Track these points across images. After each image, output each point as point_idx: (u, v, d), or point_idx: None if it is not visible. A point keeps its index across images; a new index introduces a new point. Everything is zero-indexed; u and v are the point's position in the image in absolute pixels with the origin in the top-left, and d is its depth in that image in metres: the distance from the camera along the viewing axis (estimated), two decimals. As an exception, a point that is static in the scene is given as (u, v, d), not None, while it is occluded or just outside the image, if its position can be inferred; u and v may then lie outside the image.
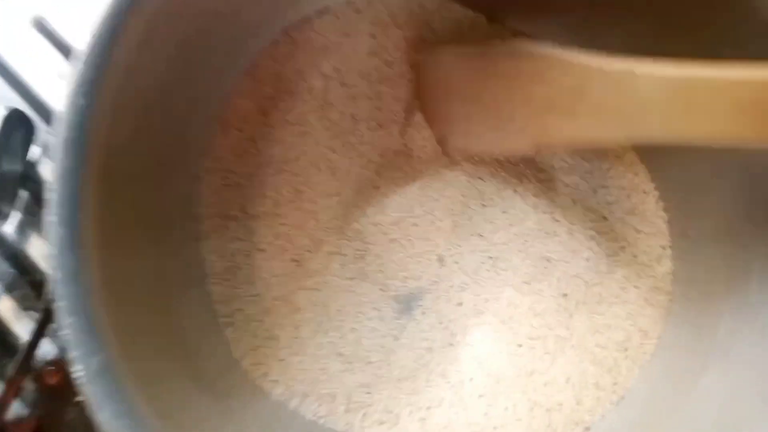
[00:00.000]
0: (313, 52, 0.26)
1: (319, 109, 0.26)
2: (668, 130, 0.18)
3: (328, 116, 0.27)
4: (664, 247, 0.26)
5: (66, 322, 0.16)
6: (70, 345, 0.16)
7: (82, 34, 0.17)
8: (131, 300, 0.19)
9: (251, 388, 0.25)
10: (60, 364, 0.27)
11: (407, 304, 0.27)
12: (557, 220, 0.26)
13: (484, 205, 0.27)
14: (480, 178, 0.27)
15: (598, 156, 0.26)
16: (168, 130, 0.22)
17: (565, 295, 0.26)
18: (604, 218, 0.26)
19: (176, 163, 0.23)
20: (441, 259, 0.27)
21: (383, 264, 0.27)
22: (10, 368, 0.26)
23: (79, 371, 0.16)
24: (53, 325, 0.26)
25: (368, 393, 0.26)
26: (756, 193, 0.21)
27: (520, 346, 0.26)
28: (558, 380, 0.25)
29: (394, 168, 0.27)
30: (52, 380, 0.27)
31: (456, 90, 0.25)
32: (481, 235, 0.27)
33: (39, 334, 0.26)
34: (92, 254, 0.17)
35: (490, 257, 0.27)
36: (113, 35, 0.17)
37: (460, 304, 0.26)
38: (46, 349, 0.27)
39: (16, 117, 0.28)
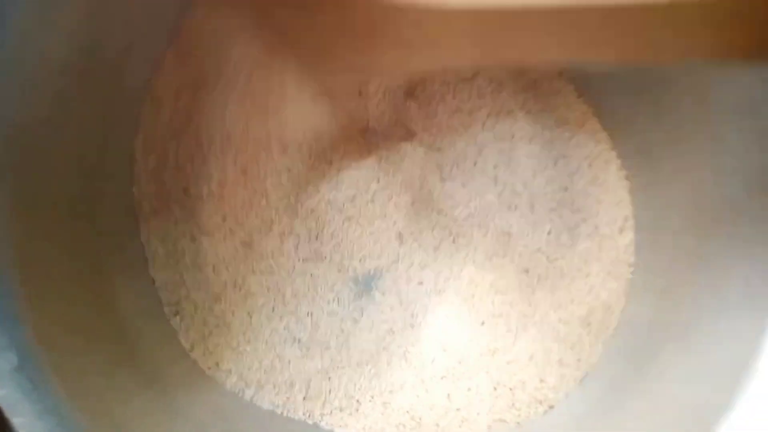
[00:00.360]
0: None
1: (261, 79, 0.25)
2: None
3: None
4: (626, 218, 0.25)
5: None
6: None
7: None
8: (56, 290, 0.18)
9: (202, 379, 0.24)
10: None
11: (366, 284, 0.26)
12: (517, 192, 0.25)
13: (443, 179, 0.26)
14: (438, 150, 0.26)
15: (559, 124, 0.26)
16: (89, 107, 0.20)
17: (526, 270, 0.25)
18: (565, 189, 0.25)
19: (105, 142, 0.21)
20: (400, 237, 0.26)
21: (339, 244, 0.26)
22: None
23: (-12, 370, 0.14)
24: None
25: (328, 379, 0.25)
26: (721, 159, 0.21)
27: (482, 324, 0.25)
28: (521, 358, 0.25)
29: (348, 140, 0.26)
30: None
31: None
32: (440, 211, 0.26)
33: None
34: (6, 238, 0.15)
35: (450, 233, 0.26)
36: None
37: (421, 283, 0.26)
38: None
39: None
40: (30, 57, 0.16)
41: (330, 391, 0.25)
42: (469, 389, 0.25)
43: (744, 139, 0.19)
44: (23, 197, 0.17)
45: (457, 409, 0.24)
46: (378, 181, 0.26)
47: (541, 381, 0.25)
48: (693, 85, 0.21)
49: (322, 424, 0.24)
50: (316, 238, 0.25)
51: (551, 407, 0.24)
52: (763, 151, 0.18)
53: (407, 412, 0.25)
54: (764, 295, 0.19)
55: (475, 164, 0.26)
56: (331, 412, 0.25)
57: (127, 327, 0.22)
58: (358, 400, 0.25)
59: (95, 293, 0.20)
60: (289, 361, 0.25)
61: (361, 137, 0.26)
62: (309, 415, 0.24)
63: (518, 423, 0.24)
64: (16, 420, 0.14)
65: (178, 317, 0.24)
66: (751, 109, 0.19)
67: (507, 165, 0.26)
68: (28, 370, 0.15)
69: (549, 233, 0.25)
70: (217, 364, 0.24)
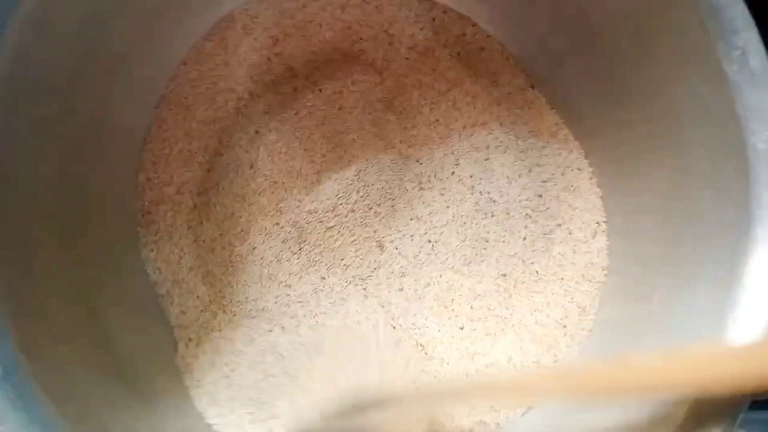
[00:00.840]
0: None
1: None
2: None
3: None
4: (599, 223, 0.26)
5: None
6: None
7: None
8: (41, 303, 0.18)
9: (183, 393, 0.24)
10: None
11: (348, 291, 0.26)
12: (494, 200, 0.26)
13: (421, 188, 0.26)
14: (417, 160, 0.27)
15: (533, 134, 0.26)
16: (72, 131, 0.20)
17: (504, 275, 0.26)
18: (540, 196, 0.26)
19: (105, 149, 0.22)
20: (381, 245, 0.26)
21: (322, 253, 0.26)
22: None
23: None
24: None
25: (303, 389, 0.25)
26: (686, 168, 0.22)
27: (461, 328, 0.26)
28: (500, 361, 0.25)
29: (329, 151, 0.26)
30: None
31: None
32: (419, 219, 0.26)
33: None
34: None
35: (429, 241, 0.26)
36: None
37: (401, 289, 0.26)
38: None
39: None
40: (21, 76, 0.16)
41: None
42: (449, 392, 0.25)
43: (707, 149, 0.20)
44: (7, 210, 0.17)
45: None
46: (358, 192, 0.26)
47: (520, 383, 0.25)
48: (659, 97, 0.22)
49: None
50: (299, 248, 0.26)
51: (530, 408, 0.25)
52: (726, 159, 0.19)
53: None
54: (728, 295, 0.19)
55: (452, 173, 0.26)
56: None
57: (113, 339, 0.22)
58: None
59: (81, 305, 0.21)
60: (271, 377, 0.25)
61: (341, 148, 0.26)
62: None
63: (498, 424, 0.25)
64: (1, 428, 0.15)
65: (157, 325, 0.25)
66: (712, 120, 0.20)
67: (483, 174, 0.26)
68: (13, 380, 0.15)
69: (524, 239, 0.26)
70: (197, 381, 0.24)
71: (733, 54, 0.19)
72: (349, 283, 0.26)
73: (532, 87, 0.27)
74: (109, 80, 0.22)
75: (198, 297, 0.25)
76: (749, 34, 0.19)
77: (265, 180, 0.26)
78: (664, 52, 0.21)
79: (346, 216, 0.26)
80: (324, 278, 0.26)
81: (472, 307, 0.26)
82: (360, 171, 0.26)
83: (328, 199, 0.26)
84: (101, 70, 0.21)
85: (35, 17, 0.17)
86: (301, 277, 0.26)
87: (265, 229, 0.26)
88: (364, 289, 0.26)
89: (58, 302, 0.19)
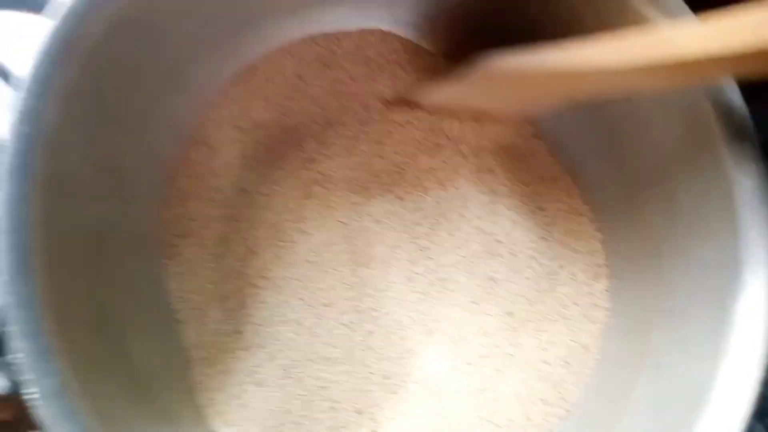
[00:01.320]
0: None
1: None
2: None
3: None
4: (599, 265, 0.27)
5: (19, 346, 0.17)
6: (24, 368, 0.16)
7: (20, 58, 0.18)
8: (80, 323, 0.19)
9: (198, 412, 0.25)
10: (12, 399, 0.26)
11: (359, 324, 0.27)
12: (500, 242, 0.28)
13: (433, 229, 0.28)
14: (428, 203, 0.28)
15: (535, 180, 0.28)
16: (121, 153, 0.22)
17: (510, 313, 0.27)
18: (543, 239, 0.28)
19: (133, 186, 0.24)
20: (393, 282, 0.28)
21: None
22: (-41, 405, 0.25)
23: (33, 393, 0.16)
24: (3, 357, 0.26)
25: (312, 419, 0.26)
26: (673, 214, 0.23)
27: (470, 364, 0.27)
28: (507, 397, 0.26)
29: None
30: (5, 414, 0.26)
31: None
32: (430, 257, 0.28)
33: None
34: (42, 279, 0.17)
35: (439, 278, 0.28)
36: (55, 61, 0.18)
37: (412, 323, 0.27)
38: (-2, 385, 0.26)
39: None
40: (71, 117, 0.18)
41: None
42: (458, 425, 0.26)
43: (693, 198, 0.22)
44: (54, 240, 0.19)
45: (448, 446, 0.26)
46: (376, 235, 0.28)
47: (527, 419, 0.26)
48: (651, 147, 0.24)
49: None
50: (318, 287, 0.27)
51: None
52: (708, 206, 0.21)
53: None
54: (718, 337, 0.20)
55: (461, 215, 0.28)
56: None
57: (135, 362, 0.23)
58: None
59: (111, 336, 0.22)
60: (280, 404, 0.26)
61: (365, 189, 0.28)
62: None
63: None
64: (53, 437, 0.16)
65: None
66: (698, 172, 0.22)
67: (490, 216, 0.28)
68: (65, 394, 0.17)
69: (529, 279, 0.27)
70: (211, 400, 0.25)
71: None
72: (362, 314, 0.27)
73: (534, 136, 0.29)
74: (142, 120, 0.24)
75: (215, 322, 0.26)
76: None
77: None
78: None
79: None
80: (341, 313, 0.27)
81: (480, 344, 0.27)
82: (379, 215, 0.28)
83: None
84: (135, 110, 0.23)
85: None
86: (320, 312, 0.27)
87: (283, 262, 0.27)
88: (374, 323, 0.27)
89: (87, 327, 0.21)
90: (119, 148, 0.23)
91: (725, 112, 0.20)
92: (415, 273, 0.28)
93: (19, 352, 0.16)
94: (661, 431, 0.21)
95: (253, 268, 0.27)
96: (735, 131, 0.20)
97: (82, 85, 0.19)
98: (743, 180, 0.20)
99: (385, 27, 0.29)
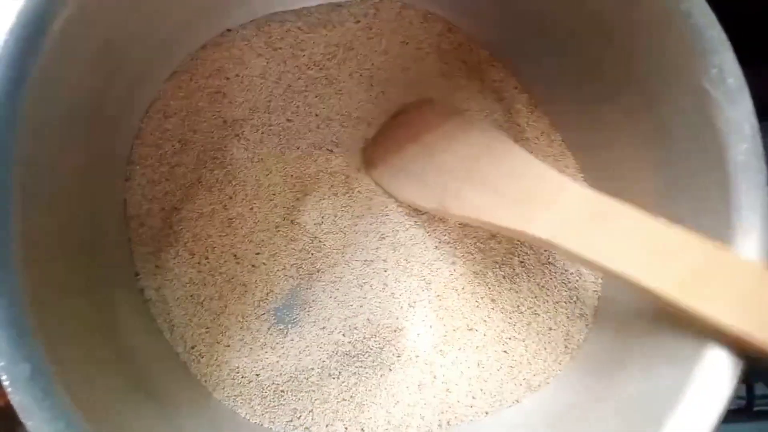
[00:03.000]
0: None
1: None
2: (577, 244, 0.20)
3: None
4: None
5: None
6: (-1, 354, 0.16)
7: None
8: (60, 305, 0.19)
9: (197, 391, 0.25)
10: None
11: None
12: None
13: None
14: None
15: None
16: (96, 138, 0.22)
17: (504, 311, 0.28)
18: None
19: (106, 169, 0.23)
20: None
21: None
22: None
23: (5, 380, 0.16)
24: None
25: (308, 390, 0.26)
26: (668, 180, 0.23)
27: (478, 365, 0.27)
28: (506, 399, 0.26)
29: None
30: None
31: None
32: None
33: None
34: (18, 264, 0.17)
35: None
36: (26, 45, 0.17)
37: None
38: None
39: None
40: (47, 101, 0.18)
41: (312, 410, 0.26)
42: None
43: (686, 161, 0.21)
44: (32, 226, 0.19)
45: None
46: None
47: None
48: (647, 114, 0.23)
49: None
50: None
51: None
52: (701, 172, 0.20)
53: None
54: (689, 350, 0.20)
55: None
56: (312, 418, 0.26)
57: (127, 344, 0.23)
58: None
59: (98, 314, 0.22)
60: (277, 379, 0.26)
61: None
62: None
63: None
64: (29, 423, 0.16)
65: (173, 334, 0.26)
66: (695, 134, 0.21)
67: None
68: (40, 380, 0.16)
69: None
70: (210, 375, 0.26)
71: (711, 72, 0.20)
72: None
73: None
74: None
75: (196, 316, 0.26)
76: (726, 54, 0.20)
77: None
78: (652, 70, 0.22)
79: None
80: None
81: (477, 347, 0.27)
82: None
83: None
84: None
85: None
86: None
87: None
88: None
89: (78, 311, 0.21)
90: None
91: (720, 77, 0.20)
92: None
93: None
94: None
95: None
96: (730, 103, 0.20)
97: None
98: (737, 143, 0.20)
99: None
